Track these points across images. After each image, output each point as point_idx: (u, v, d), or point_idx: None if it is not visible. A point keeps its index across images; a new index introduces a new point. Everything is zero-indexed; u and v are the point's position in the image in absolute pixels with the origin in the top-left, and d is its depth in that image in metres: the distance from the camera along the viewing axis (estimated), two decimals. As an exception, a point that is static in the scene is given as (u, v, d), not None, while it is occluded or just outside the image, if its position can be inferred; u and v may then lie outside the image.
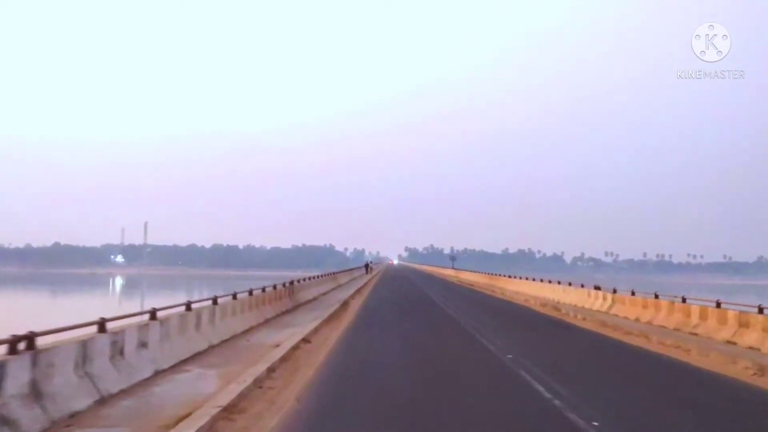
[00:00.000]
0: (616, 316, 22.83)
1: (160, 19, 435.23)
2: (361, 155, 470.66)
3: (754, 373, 12.06)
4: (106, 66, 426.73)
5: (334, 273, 40.92)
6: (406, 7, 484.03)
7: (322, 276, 35.26)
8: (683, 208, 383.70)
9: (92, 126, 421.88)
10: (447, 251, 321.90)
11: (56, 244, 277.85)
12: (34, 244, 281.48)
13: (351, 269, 58.41)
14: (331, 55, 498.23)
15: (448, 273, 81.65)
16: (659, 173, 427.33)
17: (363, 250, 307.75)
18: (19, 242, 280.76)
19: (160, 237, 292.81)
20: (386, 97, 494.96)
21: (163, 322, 10.83)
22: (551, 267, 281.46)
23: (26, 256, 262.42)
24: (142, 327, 10.02)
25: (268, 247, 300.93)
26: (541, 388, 10.19)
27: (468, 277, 62.55)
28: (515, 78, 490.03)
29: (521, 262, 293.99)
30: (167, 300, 23.73)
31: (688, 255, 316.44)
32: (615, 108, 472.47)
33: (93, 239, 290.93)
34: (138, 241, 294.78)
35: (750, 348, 14.56)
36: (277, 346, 13.54)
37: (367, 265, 75.29)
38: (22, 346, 6.82)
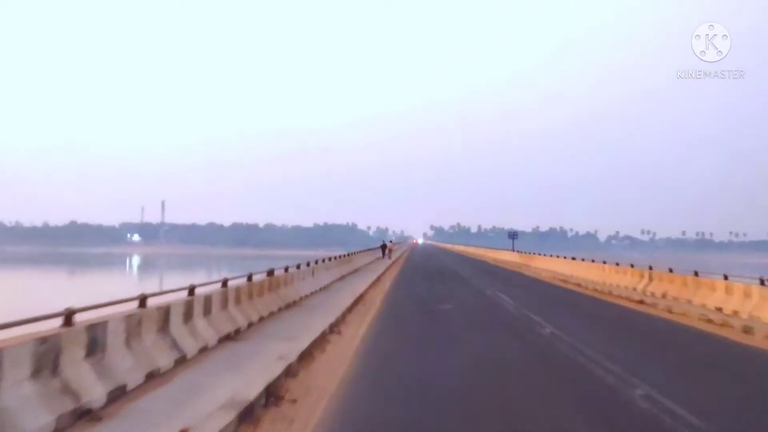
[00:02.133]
0: None
1: (184, 9, 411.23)
2: (384, 133, 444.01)
3: None
4: (126, 49, 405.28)
5: (305, 266, 16.23)
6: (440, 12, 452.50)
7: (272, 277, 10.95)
8: (723, 183, 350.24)
9: (112, 106, 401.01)
10: (474, 230, 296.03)
11: (72, 223, 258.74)
12: (52, 223, 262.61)
13: (355, 253, 33.75)
14: (357, 40, 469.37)
15: (513, 260, 47.59)
16: (697, 147, 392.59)
17: (386, 229, 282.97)
18: (37, 221, 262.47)
19: (180, 216, 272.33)
20: (412, 79, 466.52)
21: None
22: (584, 245, 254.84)
23: (43, 234, 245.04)
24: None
25: (290, 226, 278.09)
26: None
27: (571, 270, 31.14)
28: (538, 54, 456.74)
29: (552, 241, 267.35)
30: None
31: (730, 233, 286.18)
32: (644, 85, 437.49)
33: (112, 218, 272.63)
34: (157, 220, 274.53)
35: None
36: None
37: (384, 246, 47.72)
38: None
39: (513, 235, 70.78)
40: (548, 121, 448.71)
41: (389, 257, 44.40)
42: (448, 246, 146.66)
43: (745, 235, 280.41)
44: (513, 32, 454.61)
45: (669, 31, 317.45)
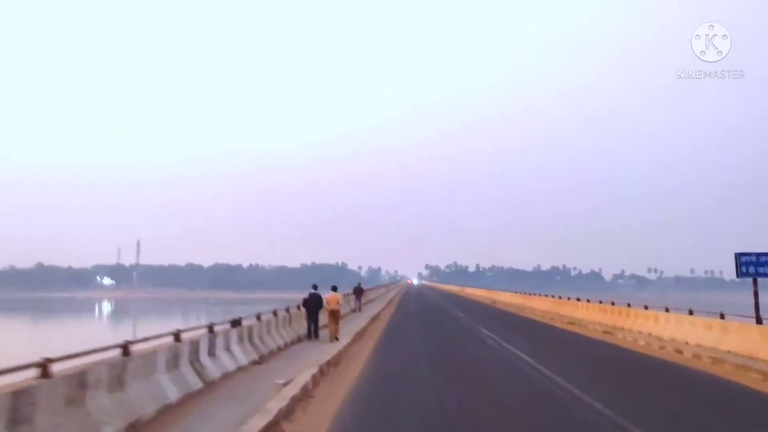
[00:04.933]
0: None
1: (165, 38, 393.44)
2: (376, 169, 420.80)
3: None
4: (103, 81, 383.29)
5: None
6: (416, 23, 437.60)
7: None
8: (733, 219, 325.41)
9: (86, 143, 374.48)
10: (472, 269, 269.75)
11: (39, 265, 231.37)
12: (18, 266, 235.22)
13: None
14: (342, 69, 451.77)
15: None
16: (703, 181, 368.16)
17: (379, 269, 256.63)
18: (5, 263, 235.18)
19: (158, 257, 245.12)
20: (402, 110, 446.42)
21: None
22: (589, 286, 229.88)
23: (7, 278, 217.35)
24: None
25: (276, 266, 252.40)
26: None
27: None
28: (538, 88, 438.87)
29: (556, 281, 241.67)
30: None
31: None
32: (653, 117, 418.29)
33: (84, 260, 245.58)
34: (133, 261, 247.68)
35: None
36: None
37: (310, 304, 17.58)
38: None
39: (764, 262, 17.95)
40: (546, 154, 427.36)
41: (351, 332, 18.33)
42: (455, 289, 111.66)
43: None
44: (509, 58, 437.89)
45: (669, 31, 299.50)
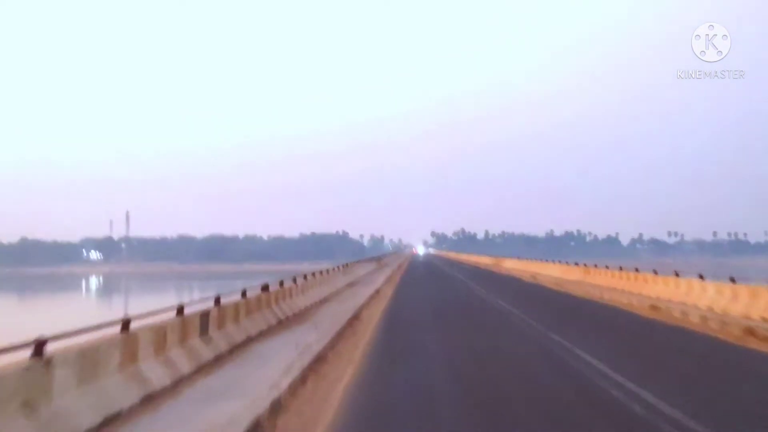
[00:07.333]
0: None
1: (169, 18, 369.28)
2: (376, 135, 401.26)
3: None
4: (84, 47, 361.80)
5: None
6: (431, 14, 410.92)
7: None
8: (757, 178, 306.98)
9: (74, 117, 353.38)
10: (480, 236, 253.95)
11: (23, 240, 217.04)
12: (4, 241, 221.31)
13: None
14: (342, 40, 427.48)
15: None
16: (725, 139, 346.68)
17: (382, 238, 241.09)
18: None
19: (150, 229, 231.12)
20: (407, 73, 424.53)
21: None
22: (605, 251, 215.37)
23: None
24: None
25: (274, 236, 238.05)
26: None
27: None
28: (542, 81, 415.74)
29: (570, 246, 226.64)
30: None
31: (766, 233, 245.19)
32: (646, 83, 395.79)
33: (72, 234, 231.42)
34: (123, 234, 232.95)
35: None
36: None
37: None
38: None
39: None
40: (557, 116, 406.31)
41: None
42: (487, 262, 74.35)
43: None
44: (508, 34, 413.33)
45: (669, 31, 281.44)
